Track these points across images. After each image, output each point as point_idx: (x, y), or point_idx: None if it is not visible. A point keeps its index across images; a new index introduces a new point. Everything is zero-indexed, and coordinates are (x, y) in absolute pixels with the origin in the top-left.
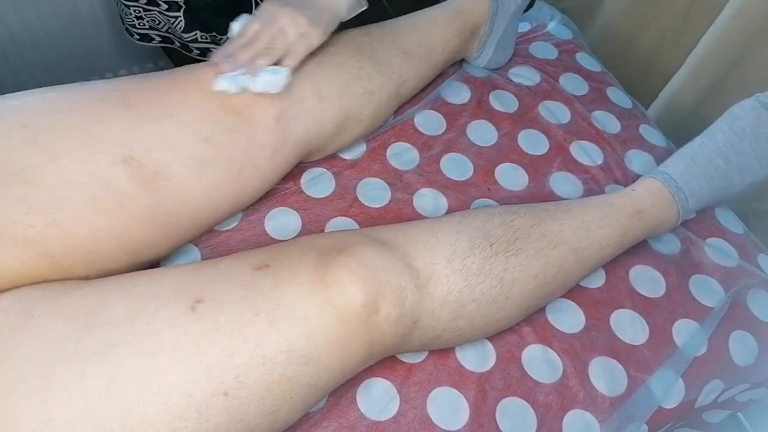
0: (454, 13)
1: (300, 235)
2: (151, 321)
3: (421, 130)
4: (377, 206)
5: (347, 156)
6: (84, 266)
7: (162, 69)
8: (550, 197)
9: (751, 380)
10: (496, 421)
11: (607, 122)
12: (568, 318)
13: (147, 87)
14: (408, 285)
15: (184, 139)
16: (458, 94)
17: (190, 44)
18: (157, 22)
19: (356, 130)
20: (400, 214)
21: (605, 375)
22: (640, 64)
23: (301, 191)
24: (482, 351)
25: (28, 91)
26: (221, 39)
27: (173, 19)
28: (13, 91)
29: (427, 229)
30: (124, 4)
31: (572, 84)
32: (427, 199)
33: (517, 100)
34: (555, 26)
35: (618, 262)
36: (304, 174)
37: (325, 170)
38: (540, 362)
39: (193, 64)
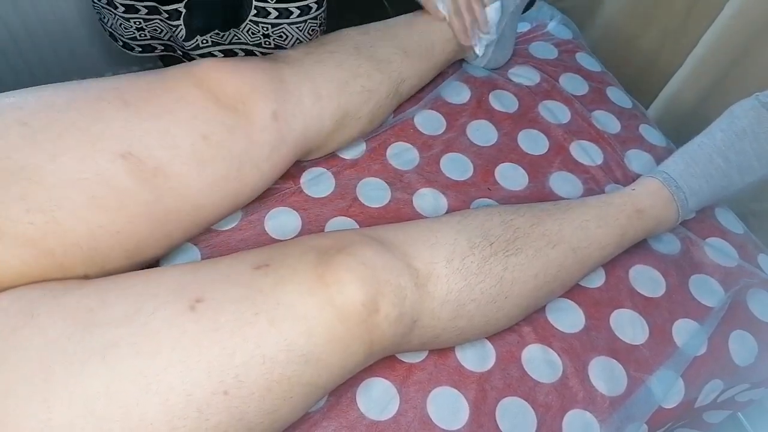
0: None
1: (300, 234)
2: (150, 320)
3: (421, 129)
4: (377, 206)
5: (347, 156)
6: (84, 264)
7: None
8: (550, 197)
9: (751, 380)
10: (496, 420)
11: (607, 122)
12: (568, 318)
13: (145, 85)
14: (408, 284)
15: (182, 137)
16: (458, 93)
17: (191, 52)
18: (159, 31)
19: (355, 128)
20: (400, 213)
21: (605, 375)
22: (640, 64)
23: (301, 191)
24: (482, 351)
25: (25, 89)
26: (223, 36)
27: (175, 28)
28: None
29: (426, 229)
30: (122, 17)
31: (572, 84)
32: (427, 199)
33: (517, 100)
34: (555, 26)
35: (618, 261)
36: (303, 174)
37: (325, 170)
38: (540, 362)
39: (190, 62)
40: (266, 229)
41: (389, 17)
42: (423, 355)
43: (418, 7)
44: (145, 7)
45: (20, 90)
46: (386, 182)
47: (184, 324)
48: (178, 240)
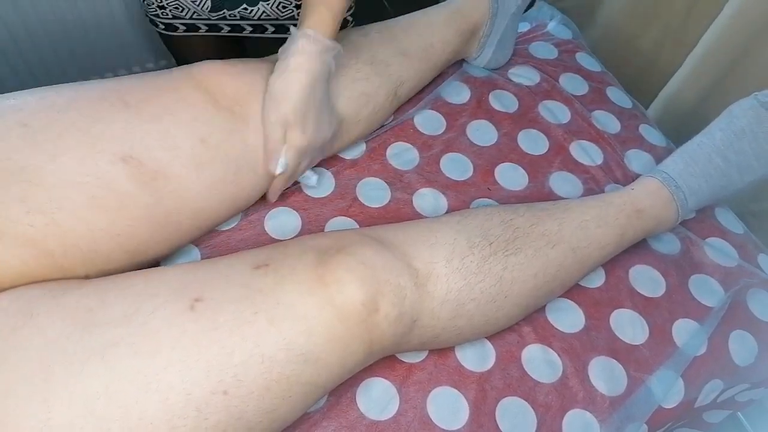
0: (454, 13)
1: (300, 234)
2: (149, 320)
3: (421, 130)
4: (377, 206)
5: (347, 156)
6: (84, 265)
7: (162, 69)
8: (550, 197)
9: (750, 380)
10: (495, 420)
11: (607, 122)
12: (568, 318)
13: (145, 86)
14: (407, 284)
15: (182, 139)
16: (458, 94)
17: (219, 23)
18: (181, 9)
19: (354, 131)
20: (400, 213)
21: (605, 375)
22: (640, 64)
23: (301, 191)
24: (482, 351)
25: (26, 90)
26: (251, 11)
27: (198, 2)
28: (13, 91)
29: (426, 229)
30: None
31: (572, 84)
32: (427, 199)
33: (517, 100)
34: (555, 26)
35: (618, 261)
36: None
37: (325, 170)
38: (540, 362)
39: (190, 64)
40: (266, 228)
41: (389, 17)
42: (423, 355)
43: (418, 7)
44: None
45: (21, 91)
46: (386, 182)
47: (183, 323)
48: (179, 242)
